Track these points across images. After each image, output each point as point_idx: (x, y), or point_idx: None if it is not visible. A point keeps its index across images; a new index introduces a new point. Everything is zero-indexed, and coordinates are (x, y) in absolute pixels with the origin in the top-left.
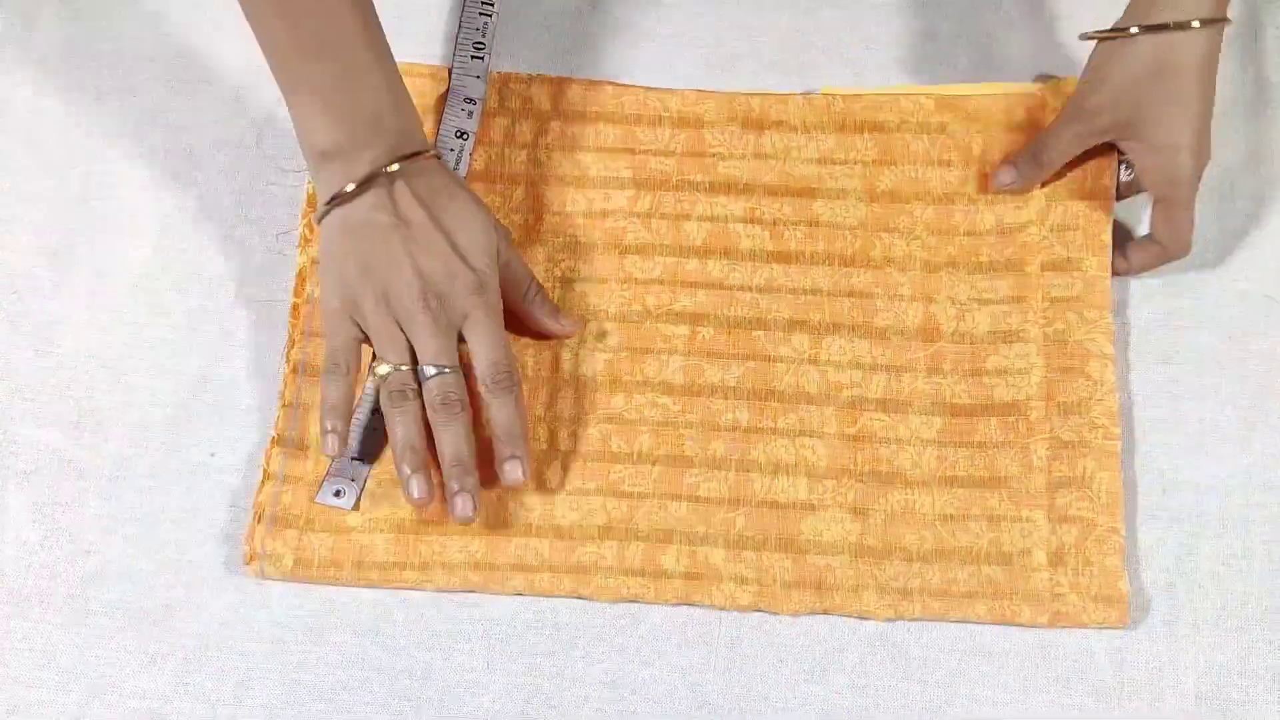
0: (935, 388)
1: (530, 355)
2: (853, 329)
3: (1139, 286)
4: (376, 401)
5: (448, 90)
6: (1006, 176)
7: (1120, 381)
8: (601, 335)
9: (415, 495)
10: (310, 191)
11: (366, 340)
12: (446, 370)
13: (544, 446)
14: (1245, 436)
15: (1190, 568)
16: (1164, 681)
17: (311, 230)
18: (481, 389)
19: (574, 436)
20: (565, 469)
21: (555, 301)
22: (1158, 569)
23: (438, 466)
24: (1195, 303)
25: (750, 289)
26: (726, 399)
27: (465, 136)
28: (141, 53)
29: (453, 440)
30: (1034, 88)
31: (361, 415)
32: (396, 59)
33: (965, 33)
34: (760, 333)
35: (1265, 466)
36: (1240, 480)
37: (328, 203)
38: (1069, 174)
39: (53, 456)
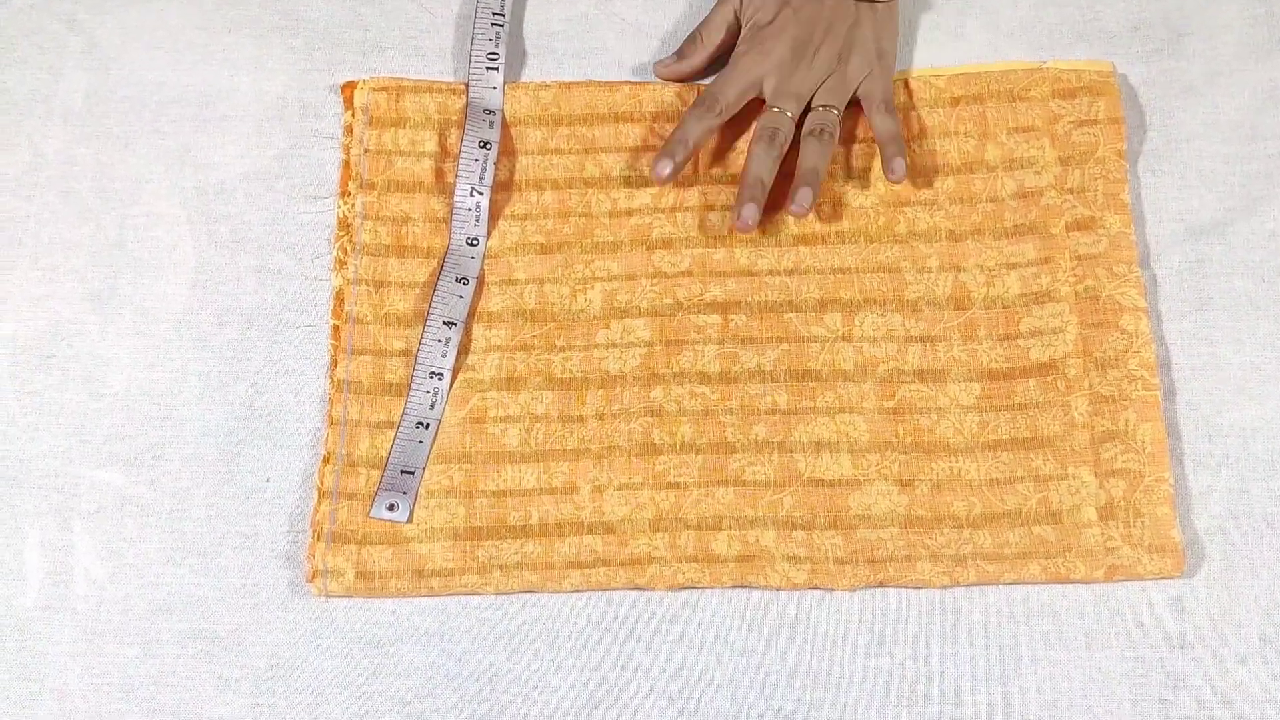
0: (971, 354)
1: (563, 357)
2: (884, 303)
3: (1166, 237)
4: (419, 416)
5: (467, 103)
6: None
7: (1155, 332)
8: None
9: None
10: (341, 215)
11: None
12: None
13: (587, 445)
14: None
15: (1243, 511)
16: (1226, 627)
17: (345, 253)
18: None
19: (616, 433)
20: (610, 465)
21: (585, 303)
22: (1210, 515)
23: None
24: (1225, 248)
25: (779, 273)
26: (764, 383)
27: (488, 146)
28: (165, 96)
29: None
30: (1037, 63)
31: (406, 427)
32: (412, 77)
33: (971, 20)
34: (792, 315)
35: None
36: None
37: None
38: (1082, 142)
39: (114, 495)
